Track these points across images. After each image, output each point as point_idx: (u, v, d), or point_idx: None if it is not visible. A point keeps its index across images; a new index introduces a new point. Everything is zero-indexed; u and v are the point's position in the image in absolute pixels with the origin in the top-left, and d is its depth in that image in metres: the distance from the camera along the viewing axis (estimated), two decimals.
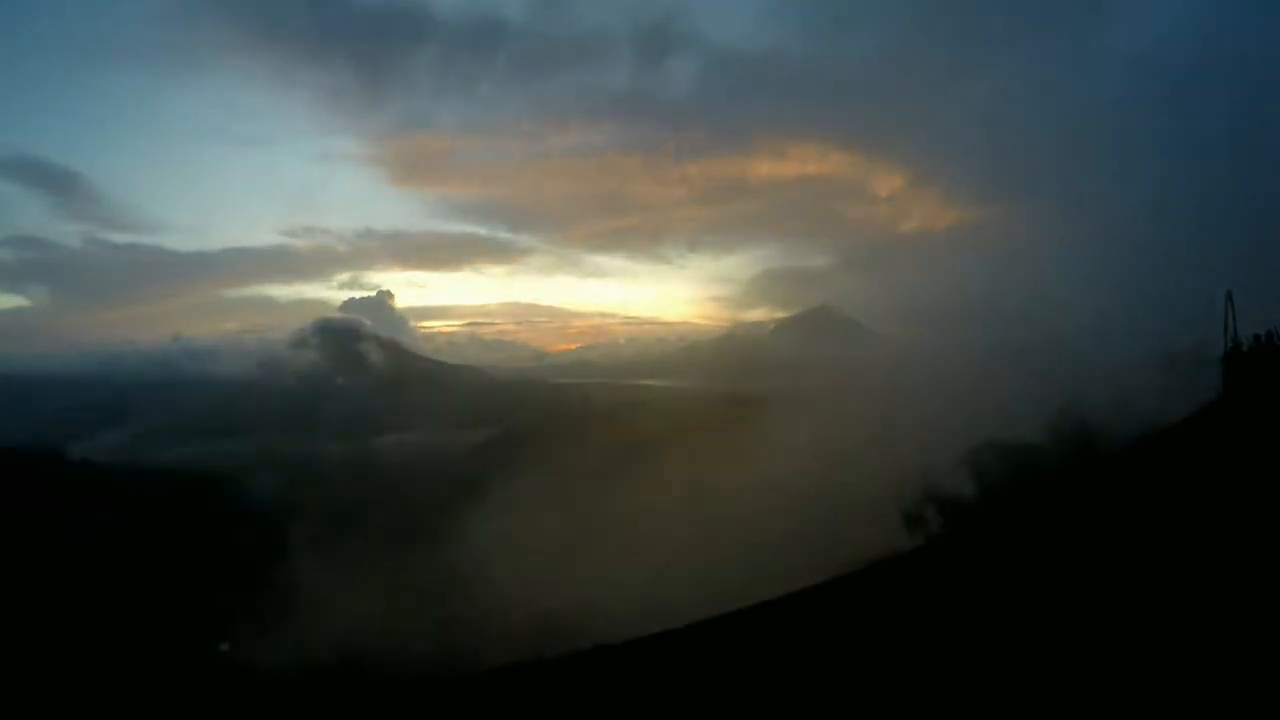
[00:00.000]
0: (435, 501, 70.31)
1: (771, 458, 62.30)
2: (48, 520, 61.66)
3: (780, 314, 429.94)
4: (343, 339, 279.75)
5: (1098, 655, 6.76)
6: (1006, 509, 21.24)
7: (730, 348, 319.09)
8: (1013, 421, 39.30)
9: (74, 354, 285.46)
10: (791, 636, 10.18)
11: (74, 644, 46.22)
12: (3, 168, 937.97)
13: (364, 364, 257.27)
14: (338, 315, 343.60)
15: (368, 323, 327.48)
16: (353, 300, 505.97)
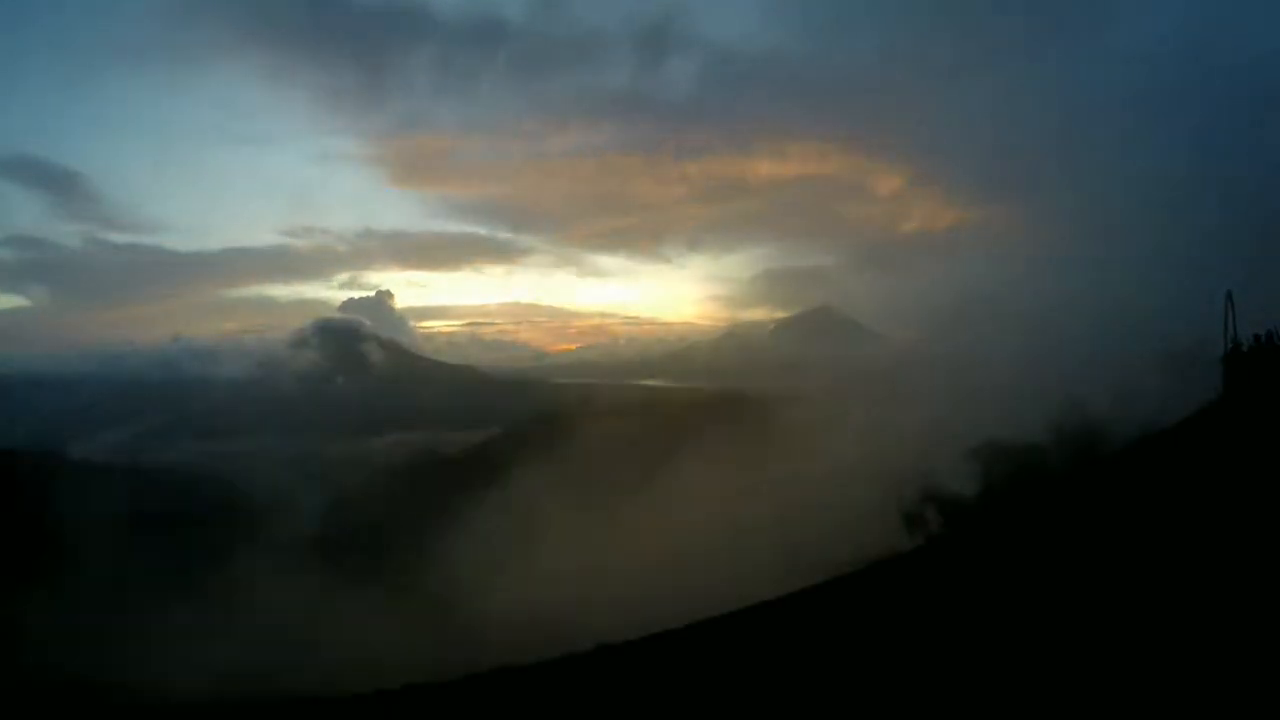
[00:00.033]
0: (435, 501, 70.29)
1: (771, 457, 62.30)
2: (47, 520, 61.64)
3: (780, 314, 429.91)
4: (342, 339, 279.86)
5: (1098, 655, 6.76)
6: (1006, 509, 21.24)
7: (730, 348, 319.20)
8: (1012, 421, 39.30)
9: (74, 354, 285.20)
10: (791, 637, 10.18)
11: (74, 644, 46.20)
12: (2, 167, 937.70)
13: (364, 364, 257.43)
14: (337, 315, 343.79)
15: (367, 323, 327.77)
16: (352, 300, 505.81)
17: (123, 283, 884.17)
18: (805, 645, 9.61)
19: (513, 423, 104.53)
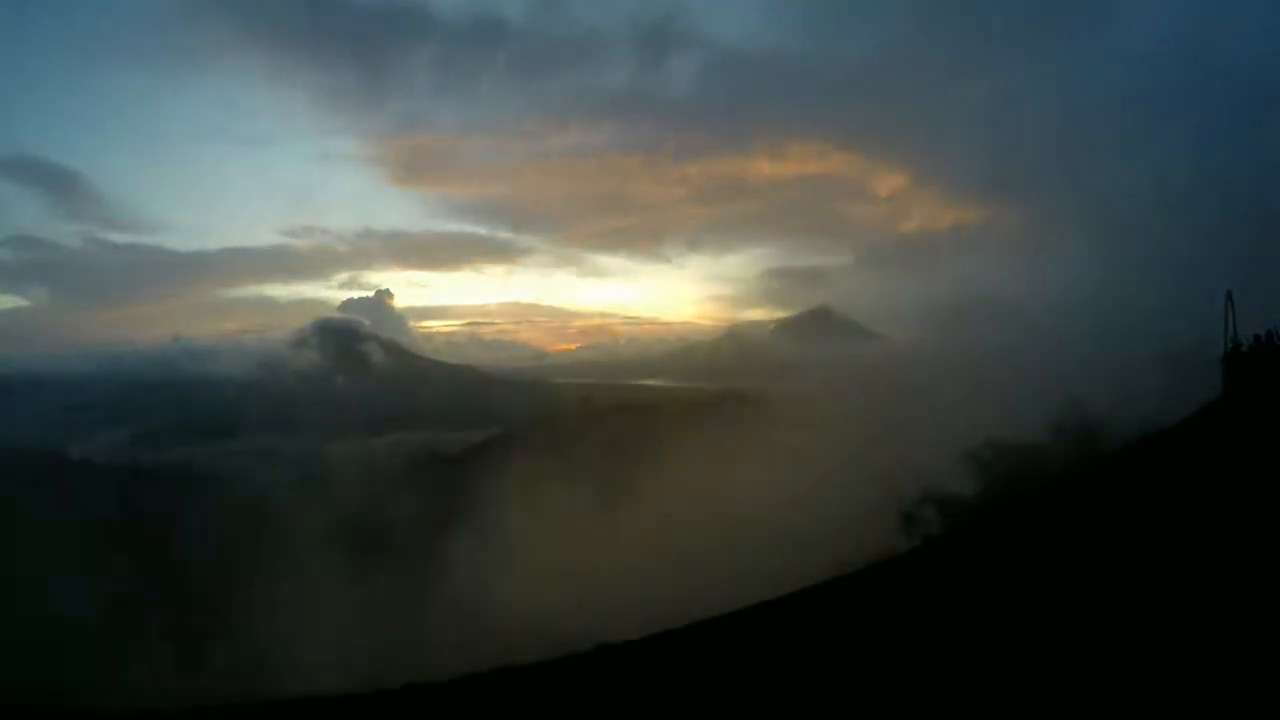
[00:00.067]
0: (435, 501, 70.29)
1: (771, 457, 62.29)
2: (47, 520, 61.64)
3: (780, 314, 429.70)
4: (342, 339, 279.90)
5: (1097, 655, 6.76)
6: (1006, 509, 21.23)
7: (730, 348, 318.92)
8: (1012, 421, 39.33)
9: (74, 354, 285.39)
10: (791, 636, 10.18)
11: (73, 644, 46.21)
12: (2, 167, 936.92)
13: (364, 364, 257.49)
14: (337, 315, 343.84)
15: (367, 323, 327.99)
16: (351, 300, 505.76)
17: (123, 283, 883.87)
18: (805, 645, 9.62)
19: (513, 423, 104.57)
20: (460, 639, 44.12)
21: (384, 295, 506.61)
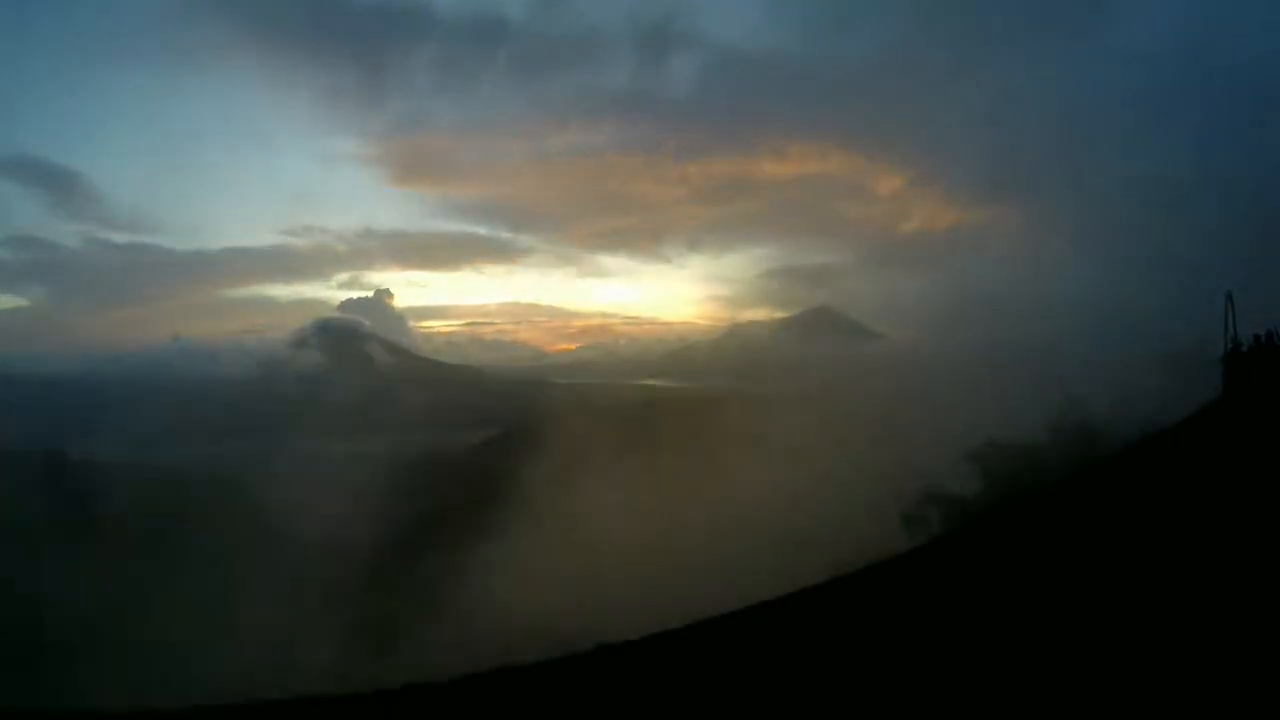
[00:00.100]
0: (435, 502, 70.33)
1: (771, 458, 62.31)
2: (47, 520, 61.63)
3: (780, 314, 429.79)
4: (342, 339, 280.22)
5: (1097, 655, 6.77)
6: (1007, 509, 21.24)
7: (730, 348, 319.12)
8: (1013, 422, 39.36)
9: (74, 354, 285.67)
10: (792, 637, 10.18)
11: (73, 644, 46.22)
12: (2, 167, 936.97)
13: (364, 364, 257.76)
14: (337, 315, 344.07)
15: (366, 323, 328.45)
16: (351, 300, 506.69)
17: (122, 283, 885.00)
18: (805, 646, 9.62)
19: (513, 423, 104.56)
20: (460, 638, 44.12)
21: (384, 295, 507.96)
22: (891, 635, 8.90)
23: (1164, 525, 10.47)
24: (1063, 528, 12.69)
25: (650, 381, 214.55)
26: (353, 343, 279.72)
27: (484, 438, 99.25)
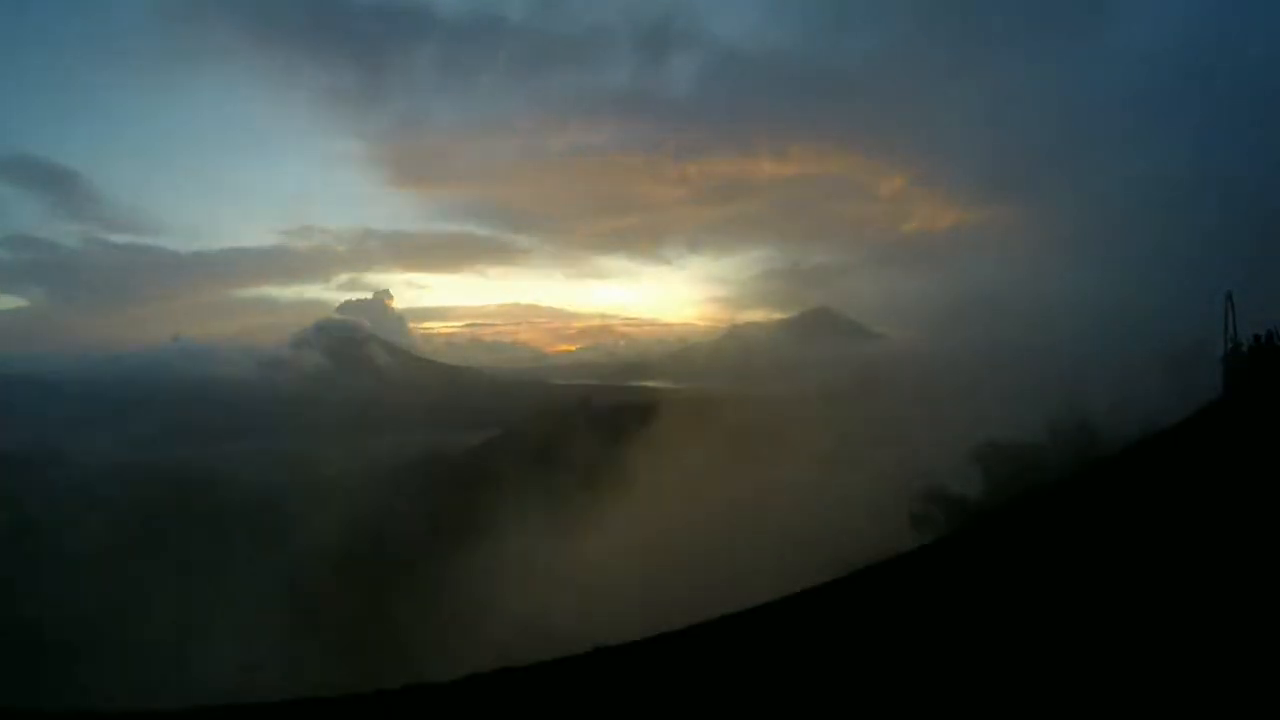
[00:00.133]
0: (434, 502, 70.28)
1: (771, 458, 62.29)
2: (47, 520, 61.66)
3: (780, 314, 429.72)
4: (342, 340, 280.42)
5: (1099, 655, 6.76)
6: (1007, 509, 21.24)
7: (730, 348, 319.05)
8: (1013, 422, 39.35)
9: (74, 354, 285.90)
10: (793, 637, 10.18)
11: (73, 644, 46.23)
12: (1, 167, 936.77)
13: (363, 365, 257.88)
14: (337, 317, 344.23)
15: (366, 324, 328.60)
16: (350, 302, 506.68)
17: (122, 283, 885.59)
18: (806, 647, 9.61)
19: (513, 423, 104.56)
20: (460, 639, 44.13)
21: (383, 297, 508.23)
22: (892, 636, 8.89)
23: (1164, 525, 10.47)
24: (1063, 528, 12.68)
25: (650, 382, 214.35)
26: (353, 344, 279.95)
27: (484, 439, 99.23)
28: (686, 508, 59.41)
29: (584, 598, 46.01)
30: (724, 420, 79.04)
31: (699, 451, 69.00)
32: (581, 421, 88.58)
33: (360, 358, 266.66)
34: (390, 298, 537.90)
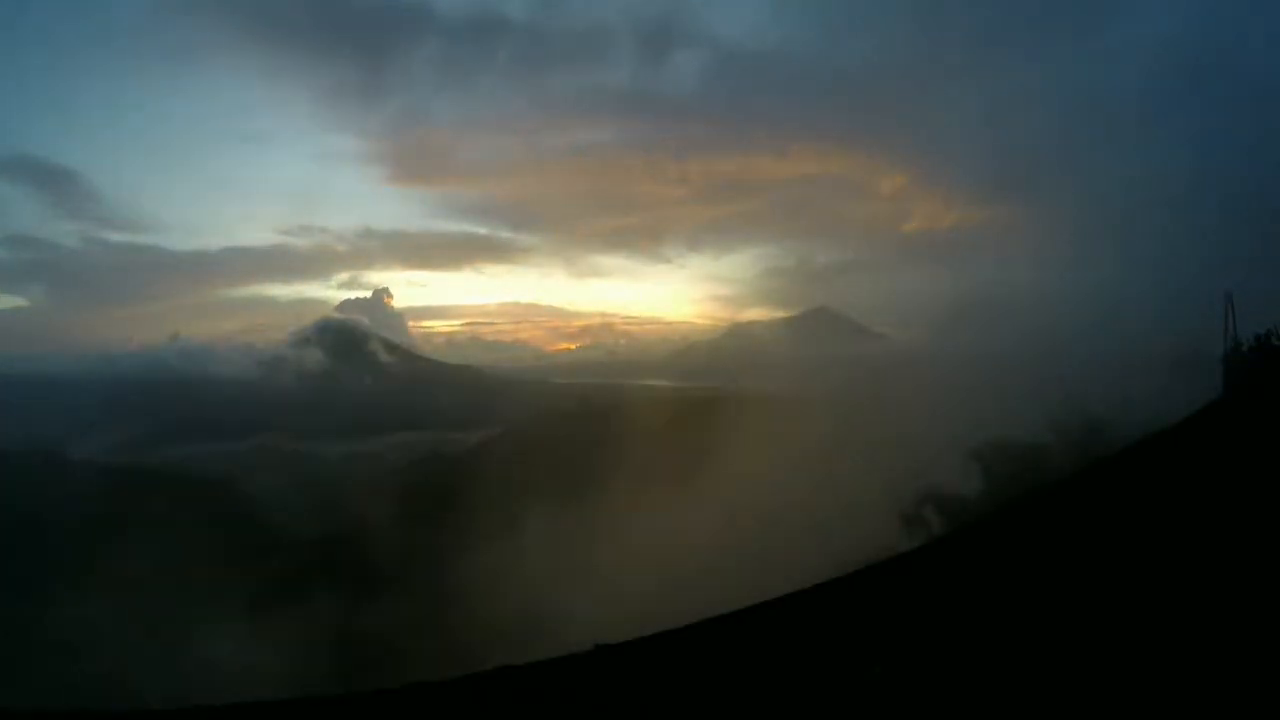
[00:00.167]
0: (435, 501, 70.30)
1: (771, 458, 62.28)
2: (48, 520, 61.64)
3: (780, 314, 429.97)
4: (342, 339, 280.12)
5: (1099, 655, 6.76)
6: (1008, 508, 21.23)
7: (730, 348, 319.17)
8: (1014, 421, 39.36)
9: (73, 354, 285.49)
10: (792, 636, 10.17)
11: (74, 644, 46.23)
12: (0, 167, 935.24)
13: (363, 364, 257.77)
14: (336, 316, 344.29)
15: (366, 322, 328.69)
16: (349, 301, 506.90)
17: (122, 282, 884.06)
18: (806, 645, 9.60)
19: (513, 422, 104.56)
20: (460, 637, 44.14)
21: (382, 295, 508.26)
22: (892, 635, 8.89)
23: (1165, 525, 10.46)
24: (1064, 527, 12.68)
25: (650, 382, 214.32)
26: (352, 343, 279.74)
27: (484, 438, 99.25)
28: (687, 506, 59.42)
29: (584, 595, 46.02)
30: (724, 419, 79.05)
31: (699, 450, 69.01)
32: (582, 420, 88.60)
33: (360, 356, 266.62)
34: (390, 296, 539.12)
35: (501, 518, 63.93)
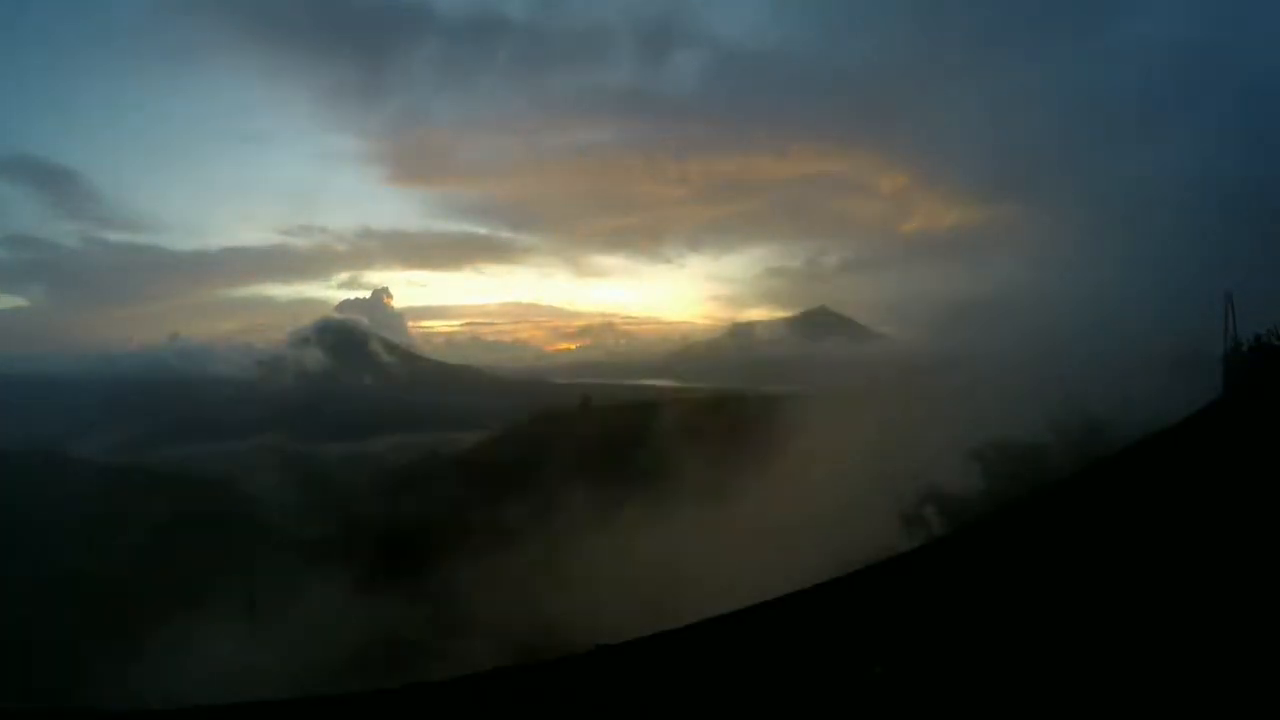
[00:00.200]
0: (434, 502, 70.29)
1: (771, 458, 62.25)
2: (47, 520, 61.65)
3: (781, 313, 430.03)
4: (342, 339, 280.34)
5: (1099, 654, 6.75)
6: (1008, 508, 21.23)
7: (731, 348, 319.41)
8: (1013, 422, 39.30)
9: (73, 354, 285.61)
10: (792, 636, 10.17)
11: (73, 644, 46.24)
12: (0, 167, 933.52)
13: (363, 364, 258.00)
14: (336, 316, 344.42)
15: (365, 322, 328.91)
16: (349, 301, 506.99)
17: (121, 282, 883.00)
18: (805, 646, 9.60)
19: (513, 423, 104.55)
20: (460, 639, 44.15)
21: (382, 295, 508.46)
22: (892, 636, 8.89)
23: (1165, 524, 10.46)
24: (1065, 527, 12.68)
25: (650, 381, 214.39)
26: (352, 343, 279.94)
27: (484, 438, 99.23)
28: (687, 507, 59.40)
29: (585, 597, 46.01)
30: (724, 419, 79.00)
31: (700, 451, 68.98)
32: (582, 420, 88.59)
33: (360, 357, 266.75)
34: (389, 296, 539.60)
35: (501, 517, 63.91)
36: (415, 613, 51.83)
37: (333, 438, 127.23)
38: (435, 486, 75.30)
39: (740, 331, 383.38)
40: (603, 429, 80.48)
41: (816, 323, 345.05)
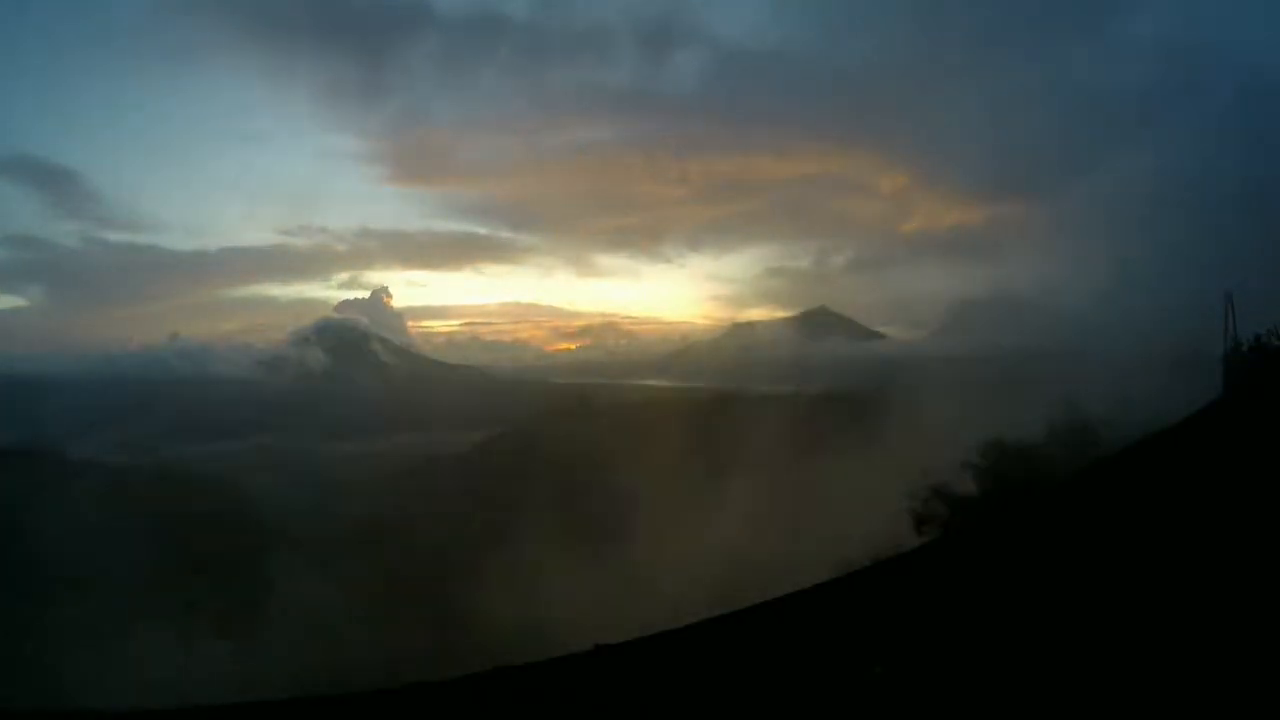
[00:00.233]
0: (435, 501, 70.32)
1: (772, 457, 62.30)
2: (48, 520, 61.60)
3: (782, 313, 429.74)
4: (341, 339, 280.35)
5: (1100, 652, 6.75)
6: (1010, 508, 21.24)
7: (731, 347, 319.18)
8: (1014, 421, 39.28)
9: (73, 354, 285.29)
10: (793, 636, 10.17)
11: (75, 645, 46.22)
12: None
13: (363, 364, 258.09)
14: (336, 316, 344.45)
15: (365, 322, 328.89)
16: (348, 301, 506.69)
17: (121, 282, 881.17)
18: (805, 646, 9.60)
19: (513, 423, 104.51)
20: (460, 638, 44.13)
21: (382, 295, 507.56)
22: (893, 635, 8.88)
23: (1165, 524, 10.46)
24: (1065, 527, 12.68)
25: (651, 381, 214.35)
26: (352, 343, 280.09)
27: (484, 438, 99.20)
28: (687, 506, 59.44)
29: (584, 595, 46.04)
30: (725, 419, 79.03)
31: (700, 450, 69.01)
32: (582, 420, 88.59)
33: (360, 356, 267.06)
34: (389, 296, 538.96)
35: (501, 518, 63.94)
36: (415, 612, 51.82)
37: (333, 438, 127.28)
38: (435, 486, 75.35)
39: (740, 331, 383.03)
40: (603, 429, 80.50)
41: (817, 323, 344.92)
